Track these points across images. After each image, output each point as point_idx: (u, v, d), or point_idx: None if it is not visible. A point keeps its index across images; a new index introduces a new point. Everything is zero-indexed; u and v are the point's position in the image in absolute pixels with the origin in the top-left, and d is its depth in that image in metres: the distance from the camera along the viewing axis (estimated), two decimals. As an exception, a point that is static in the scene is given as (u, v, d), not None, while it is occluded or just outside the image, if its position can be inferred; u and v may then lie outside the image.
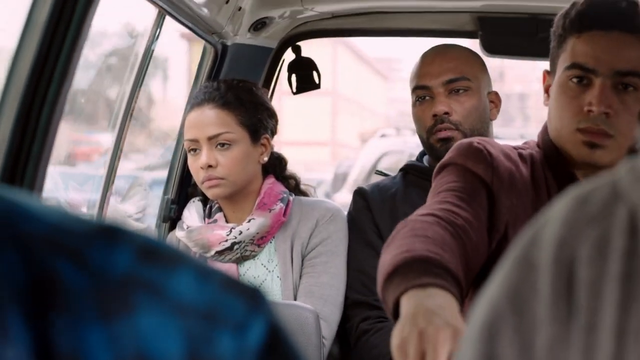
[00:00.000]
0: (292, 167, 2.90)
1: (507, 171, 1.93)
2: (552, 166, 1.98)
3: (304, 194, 2.88)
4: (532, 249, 0.79)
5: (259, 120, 2.70)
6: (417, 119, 2.76)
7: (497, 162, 1.93)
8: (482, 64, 2.80)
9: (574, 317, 0.75)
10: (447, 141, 2.68)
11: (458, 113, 2.69)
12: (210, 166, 2.65)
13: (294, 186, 2.85)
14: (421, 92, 2.74)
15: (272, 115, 2.76)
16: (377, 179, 2.99)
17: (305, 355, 0.69)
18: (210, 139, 2.65)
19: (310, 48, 3.26)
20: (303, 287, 2.66)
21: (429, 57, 2.77)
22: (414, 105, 2.77)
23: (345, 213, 2.80)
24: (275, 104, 2.91)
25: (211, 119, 2.66)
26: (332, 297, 2.66)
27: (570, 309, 0.76)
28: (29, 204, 0.65)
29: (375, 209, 2.75)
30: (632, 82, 1.86)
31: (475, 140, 2.00)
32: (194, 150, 2.69)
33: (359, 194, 2.81)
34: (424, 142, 2.76)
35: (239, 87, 2.72)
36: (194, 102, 2.70)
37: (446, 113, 2.69)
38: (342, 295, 2.69)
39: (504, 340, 0.77)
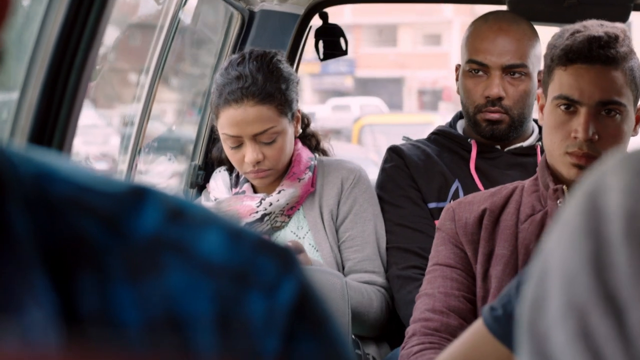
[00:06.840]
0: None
1: (475, 215, 2.13)
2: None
3: (324, 152, 2.85)
4: (600, 222, 0.73)
5: (293, 99, 2.63)
6: (467, 90, 2.75)
7: (459, 215, 2.14)
8: (537, 40, 2.77)
9: None
10: (495, 123, 2.71)
11: (510, 98, 2.70)
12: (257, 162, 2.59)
13: (314, 145, 2.81)
14: (476, 66, 2.72)
15: (298, 83, 2.69)
16: None
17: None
18: (254, 136, 2.57)
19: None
20: (348, 267, 2.67)
21: (491, 33, 2.73)
22: (464, 74, 2.76)
23: (365, 171, 2.79)
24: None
25: (254, 117, 2.55)
26: (379, 267, 2.68)
27: None
28: (57, 166, 0.65)
29: (412, 167, 2.76)
30: (614, 108, 2.06)
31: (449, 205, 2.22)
32: (236, 145, 2.60)
33: (395, 152, 2.80)
34: (469, 116, 2.76)
35: (272, 71, 2.58)
36: (232, 97, 2.55)
37: (500, 98, 2.69)
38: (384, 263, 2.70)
39: (595, 317, 0.69)
